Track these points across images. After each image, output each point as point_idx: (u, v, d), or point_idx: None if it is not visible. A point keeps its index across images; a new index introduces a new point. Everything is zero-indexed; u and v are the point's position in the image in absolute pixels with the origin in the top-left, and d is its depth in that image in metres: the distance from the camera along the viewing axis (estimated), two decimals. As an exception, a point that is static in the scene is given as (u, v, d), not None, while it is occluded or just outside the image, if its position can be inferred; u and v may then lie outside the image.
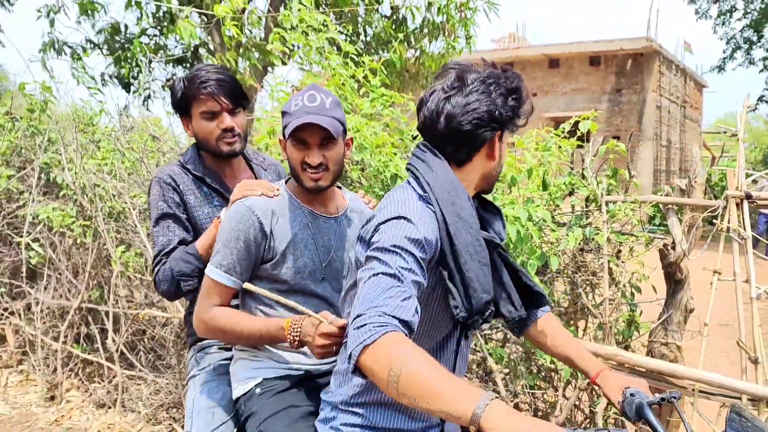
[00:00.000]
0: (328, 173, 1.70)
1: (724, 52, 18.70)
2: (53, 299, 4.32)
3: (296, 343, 1.62)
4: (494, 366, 2.69)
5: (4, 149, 4.78)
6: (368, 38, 8.80)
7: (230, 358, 1.97)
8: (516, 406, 2.88)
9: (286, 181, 1.81)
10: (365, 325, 1.16)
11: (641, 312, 2.98)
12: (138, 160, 4.01)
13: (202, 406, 1.93)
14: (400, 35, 8.08)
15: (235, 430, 1.87)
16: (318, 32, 2.92)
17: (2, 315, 4.67)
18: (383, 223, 1.35)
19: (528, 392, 2.93)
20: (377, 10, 9.01)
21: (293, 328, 1.62)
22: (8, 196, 4.68)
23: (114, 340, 3.92)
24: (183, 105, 2.01)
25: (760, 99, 19.04)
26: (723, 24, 18.37)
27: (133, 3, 7.87)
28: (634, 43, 16.28)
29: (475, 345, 2.88)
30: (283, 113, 1.70)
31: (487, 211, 1.56)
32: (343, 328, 1.53)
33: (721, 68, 18.89)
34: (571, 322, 2.92)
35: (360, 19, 8.57)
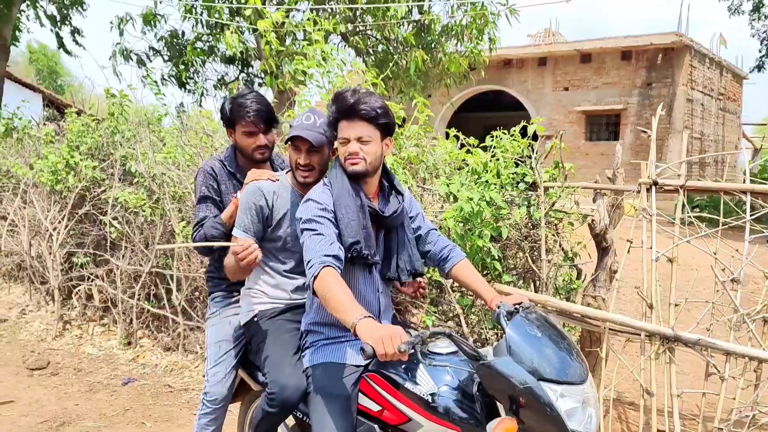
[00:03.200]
0: (314, 172, 2.37)
1: (759, 51, 18.63)
2: (129, 265, 5.32)
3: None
4: (459, 310, 3.56)
5: (89, 144, 5.84)
6: (396, 43, 9.65)
7: (231, 304, 2.77)
8: (483, 343, 3.73)
9: (287, 172, 2.51)
10: (313, 265, 1.92)
11: (585, 275, 3.77)
12: (196, 154, 4.98)
13: (212, 341, 2.72)
14: (416, 45, 8.85)
15: (237, 356, 2.67)
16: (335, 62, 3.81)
17: (89, 278, 5.76)
18: (302, 205, 2.15)
19: (488, 332, 3.78)
20: (409, 11, 9.84)
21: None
22: (93, 183, 5.72)
23: (177, 298, 4.89)
24: (229, 121, 2.68)
25: None
26: (758, 19, 18.23)
27: (188, 16, 8.92)
28: (663, 38, 16.50)
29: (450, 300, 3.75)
30: (290, 126, 2.47)
31: (395, 195, 2.30)
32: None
33: (760, 67, 18.69)
34: (524, 279, 3.75)
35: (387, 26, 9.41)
